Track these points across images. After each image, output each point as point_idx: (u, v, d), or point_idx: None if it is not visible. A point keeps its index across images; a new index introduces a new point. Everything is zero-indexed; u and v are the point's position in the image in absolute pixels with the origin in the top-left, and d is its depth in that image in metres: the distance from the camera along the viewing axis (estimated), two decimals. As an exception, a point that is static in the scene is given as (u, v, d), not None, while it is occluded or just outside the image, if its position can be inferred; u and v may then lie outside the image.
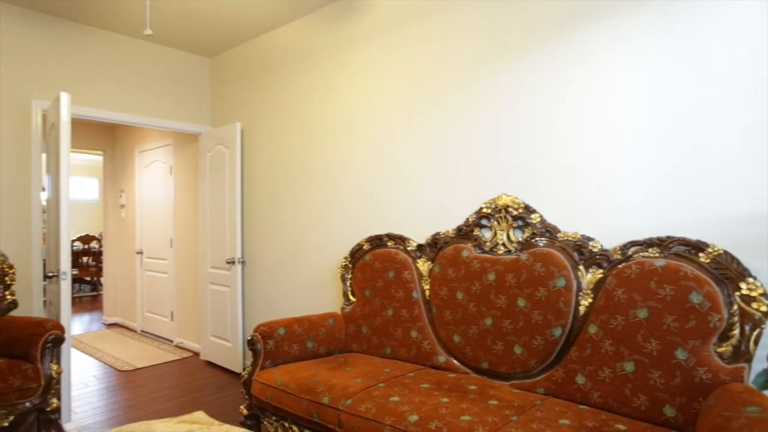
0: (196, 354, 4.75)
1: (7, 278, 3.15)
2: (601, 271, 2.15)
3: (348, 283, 3.09)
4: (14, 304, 3.14)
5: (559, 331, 2.19)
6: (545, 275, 2.25)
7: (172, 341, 5.23)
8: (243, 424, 2.61)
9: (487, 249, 2.54)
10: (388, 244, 2.98)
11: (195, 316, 4.89)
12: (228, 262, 4.13)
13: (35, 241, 3.52)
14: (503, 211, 2.51)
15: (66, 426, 3.10)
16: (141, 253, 5.79)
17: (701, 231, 1.98)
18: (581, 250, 2.23)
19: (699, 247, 1.91)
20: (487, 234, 2.59)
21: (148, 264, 5.66)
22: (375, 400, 2.06)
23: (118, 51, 3.99)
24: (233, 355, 4.10)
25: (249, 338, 2.63)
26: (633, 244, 2.09)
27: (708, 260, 1.88)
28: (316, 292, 3.57)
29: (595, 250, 2.19)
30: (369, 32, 3.24)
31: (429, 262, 2.76)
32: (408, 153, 3.02)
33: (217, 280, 4.31)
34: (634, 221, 2.15)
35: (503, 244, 2.49)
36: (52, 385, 2.72)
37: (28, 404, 2.64)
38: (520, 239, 2.44)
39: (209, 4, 3.49)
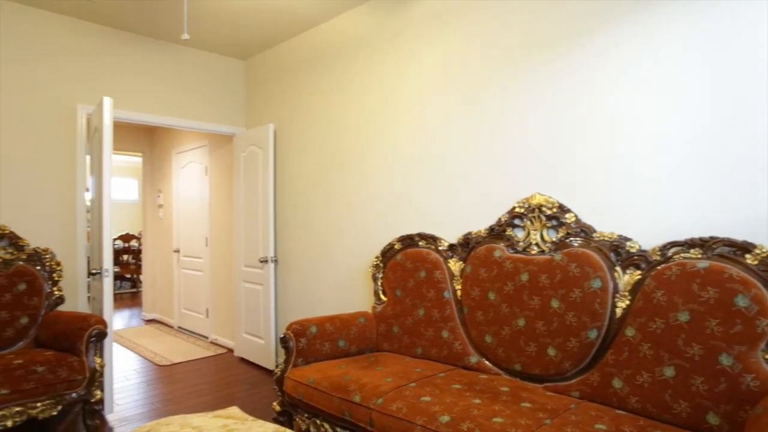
0: (231, 350, 4.86)
1: (54, 275, 3.30)
2: (639, 272, 2.09)
3: (379, 283, 3.10)
4: (61, 300, 3.29)
5: (594, 333, 2.13)
6: (580, 276, 2.20)
7: (207, 337, 5.38)
8: (276, 420, 2.66)
9: (519, 249, 2.50)
10: (420, 243, 2.97)
11: (229, 314, 5.01)
12: (261, 261, 4.21)
13: (80, 240, 3.67)
14: (537, 210, 2.47)
15: (108, 417, 3.23)
16: (178, 251, 5.97)
17: (747, 231, 1.89)
18: (618, 251, 2.17)
19: (745, 248, 1.83)
20: (519, 234, 2.55)
21: (185, 262, 5.83)
22: (406, 399, 2.06)
23: (156, 56, 4.13)
24: (266, 353, 4.18)
25: (282, 336, 2.68)
26: (673, 244, 2.01)
27: (756, 262, 1.80)
28: (348, 291, 3.60)
29: (633, 250, 2.13)
30: (402, 31, 3.24)
31: (461, 262, 2.74)
32: (439, 152, 3.00)
33: (250, 279, 4.39)
34: (674, 221, 2.08)
35: (536, 244, 2.45)
36: (96, 378, 2.84)
37: (74, 395, 2.77)
38: (554, 239, 2.39)
39: (244, 7, 3.57)
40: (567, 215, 2.37)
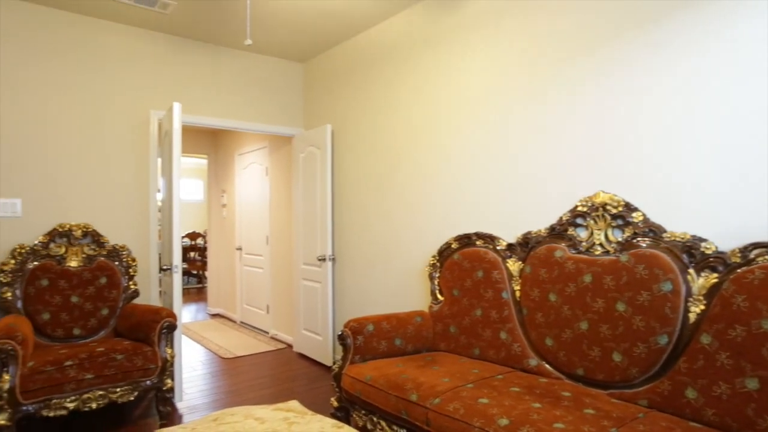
0: (290, 346, 5.01)
1: (130, 270, 3.54)
2: (715, 275, 1.95)
3: (436, 282, 3.09)
4: (136, 293, 3.53)
5: (665, 339, 2.01)
6: (648, 278, 2.09)
7: (267, 333, 5.57)
8: (334, 416, 2.71)
9: (582, 249, 2.41)
10: (477, 243, 2.93)
11: (288, 310, 5.16)
12: (319, 259, 4.31)
13: (153, 237, 3.92)
14: (601, 209, 2.36)
15: (178, 405, 3.42)
16: (240, 249, 6.22)
17: None
18: (691, 252, 2.03)
19: (841, 250, 1.66)
20: (582, 233, 2.45)
21: (247, 259, 6.07)
22: (463, 400, 2.04)
23: (220, 61, 4.33)
24: (324, 349, 4.27)
25: (339, 333, 2.73)
26: (756, 246, 1.86)
27: None
28: (404, 289, 3.61)
29: (709, 252, 1.99)
30: (462, 29, 3.21)
31: (519, 262, 2.68)
32: (497, 150, 2.95)
33: (308, 276, 4.51)
34: (757, 220, 1.92)
35: (600, 245, 2.34)
36: (167, 367, 3.02)
37: (148, 382, 2.96)
38: (620, 239, 2.28)
39: (302, 11, 3.66)
40: (634, 214, 2.25)
